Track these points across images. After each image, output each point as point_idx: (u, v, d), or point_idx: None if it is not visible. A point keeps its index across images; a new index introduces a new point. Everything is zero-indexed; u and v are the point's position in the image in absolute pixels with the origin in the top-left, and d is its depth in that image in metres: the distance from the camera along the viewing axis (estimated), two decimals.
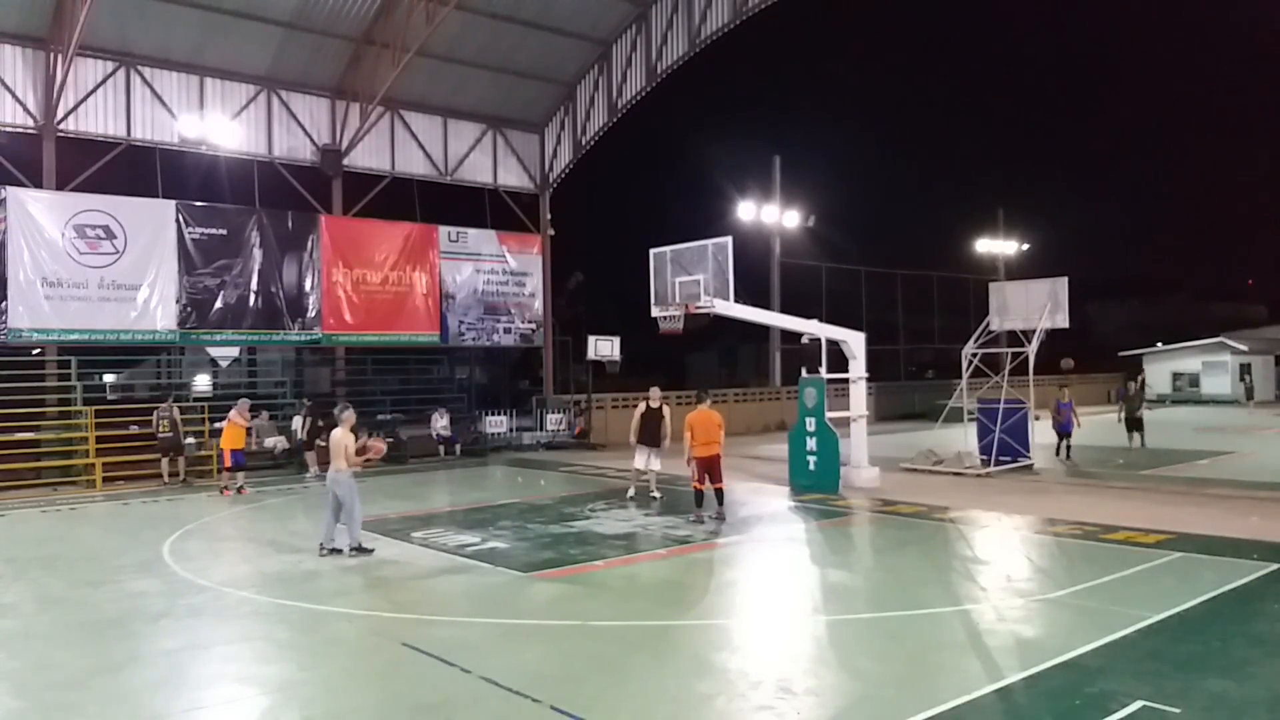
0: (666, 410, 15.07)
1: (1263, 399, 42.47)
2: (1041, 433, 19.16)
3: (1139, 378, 21.35)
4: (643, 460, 15.01)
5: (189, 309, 21.28)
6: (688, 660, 7.09)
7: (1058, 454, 19.41)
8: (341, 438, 10.93)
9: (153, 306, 20.77)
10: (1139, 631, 7.46)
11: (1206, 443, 23.50)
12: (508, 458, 22.92)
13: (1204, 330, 44.49)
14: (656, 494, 15.05)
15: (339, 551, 10.89)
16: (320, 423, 18.46)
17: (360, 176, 24.77)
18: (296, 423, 20.62)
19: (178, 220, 21.18)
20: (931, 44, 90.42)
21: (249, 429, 18.62)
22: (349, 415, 11.18)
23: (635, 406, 15.42)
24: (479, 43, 24.17)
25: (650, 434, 14.89)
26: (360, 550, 10.90)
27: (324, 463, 15.26)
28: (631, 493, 15.19)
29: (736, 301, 16.02)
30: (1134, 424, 21.13)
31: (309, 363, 26.37)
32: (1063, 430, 19.52)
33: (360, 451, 10.97)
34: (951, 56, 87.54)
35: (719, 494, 13.02)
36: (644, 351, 30.40)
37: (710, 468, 12.94)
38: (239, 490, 16.55)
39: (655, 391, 15.27)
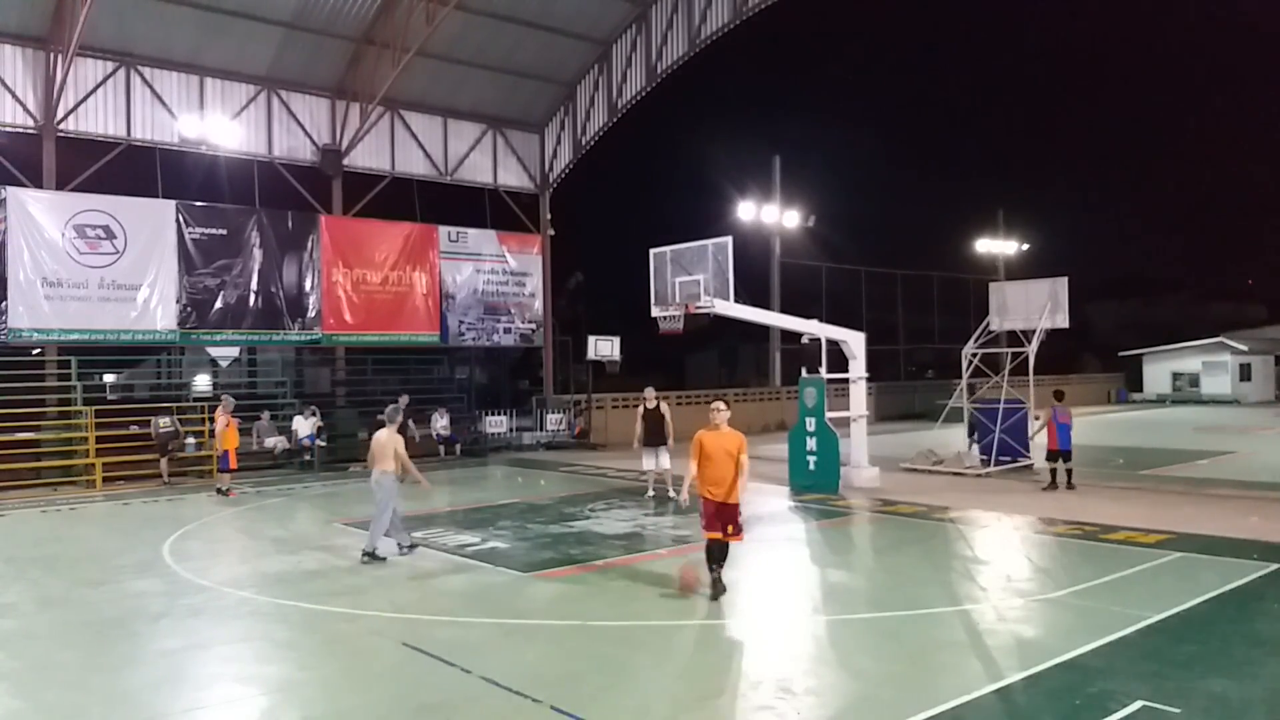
0: (665, 408, 15.16)
1: (1262, 398, 42.52)
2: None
3: (977, 391, 20.64)
4: (651, 462, 15.13)
5: (189, 309, 21.28)
6: (688, 660, 7.09)
7: (1053, 482, 15.49)
8: (388, 440, 10.83)
9: (153, 306, 20.78)
10: (1139, 631, 7.45)
11: (1206, 443, 23.50)
12: (508, 458, 22.91)
13: (1204, 330, 44.52)
14: (674, 494, 15.00)
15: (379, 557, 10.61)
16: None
17: (360, 176, 24.78)
18: (298, 423, 20.61)
19: (178, 220, 21.19)
20: (931, 44, 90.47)
21: (252, 430, 18.68)
22: (398, 418, 11.36)
23: (635, 407, 15.48)
24: (479, 43, 24.17)
25: (654, 434, 15.01)
26: (371, 556, 10.61)
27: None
28: (650, 493, 15.29)
29: (736, 301, 16.02)
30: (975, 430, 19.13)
31: (309, 363, 26.37)
32: (1061, 449, 15.46)
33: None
34: (951, 56, 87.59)
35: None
36: (644, 351, 30.37)
37: (725, 515, 8.76)
38: (227, 493, 16.53)
39: (650, 391, 15.43)
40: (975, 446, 18.75)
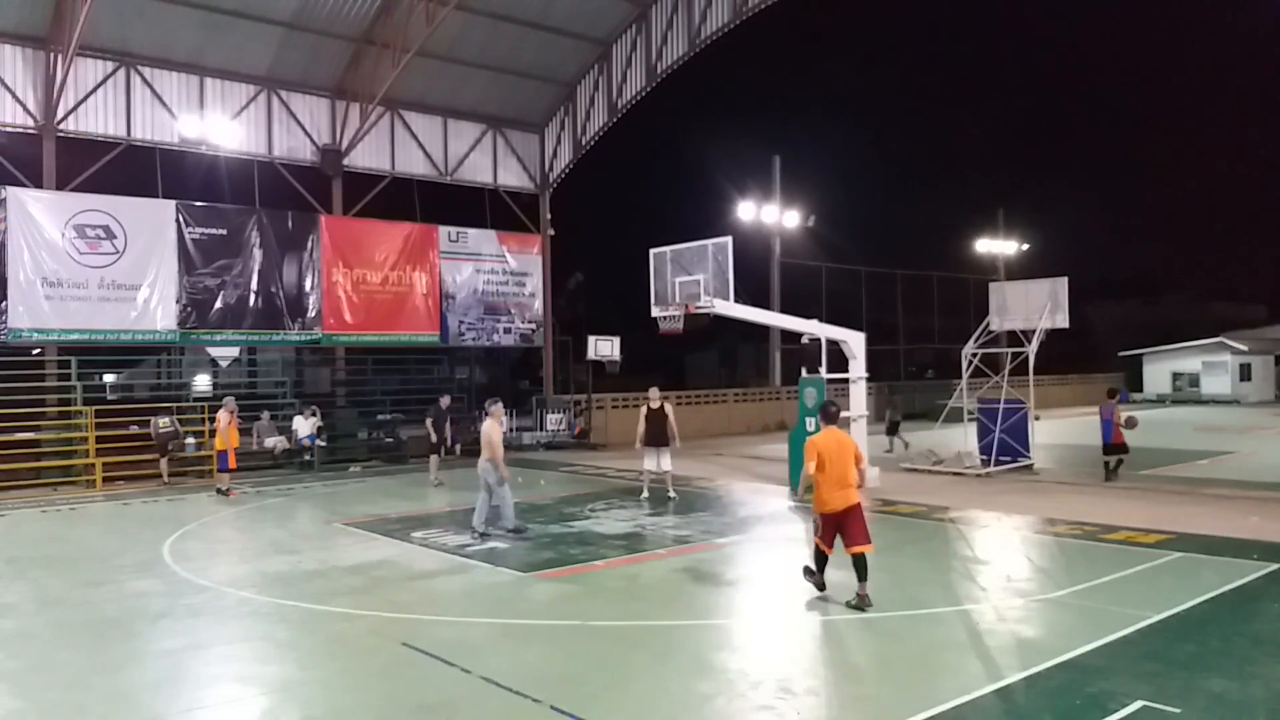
0: (669, 408, 15.13)
1: (1262, 398, 42.51)
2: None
3: (897, 396, 24.82)
4: (652, 462, 15.08)
5: (189, 309, 21.27)
6: (688, 660, 7.09)
7: (1110, 474, 16.54)
8: (490, 429, 12.11)
9: (153, 306, 20.77)
10: (1139, 631, 7.46)
11: (1206, 443, 23.50)
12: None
13: (1204, 330, 44.52)
14: (673, 495, 15.08)
15: (487, 536, 11.96)
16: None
17: (360, 176, 24.77)
18: (298, 423, 20.60)
19: (178, 220, 21.18)
20: (931, 43, 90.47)
21: (252, 430, 18.65)
22: (498, 409, 12.55)
23: (637, 407, 15.48)
24: (479, 43, 24.17)
25: (656, 435, 14.96)
26: (517, 531, 12.11)
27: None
28: (645, 494, 15.25)
29: (736, 301, 16.02)
30: (893, 429, 21.82)
31: (309, 363, 26.37)
32: (1103, 441, 16.70)
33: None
34: (952, 56, 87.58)
35: (860, 563, 8.58)
36: (644, 351, 30.38)
37: (847, 522, 8.83)
38: (227, 493, 16.51)
39: (654, 392, 15.37)
40: (900, 443, 20.80)
